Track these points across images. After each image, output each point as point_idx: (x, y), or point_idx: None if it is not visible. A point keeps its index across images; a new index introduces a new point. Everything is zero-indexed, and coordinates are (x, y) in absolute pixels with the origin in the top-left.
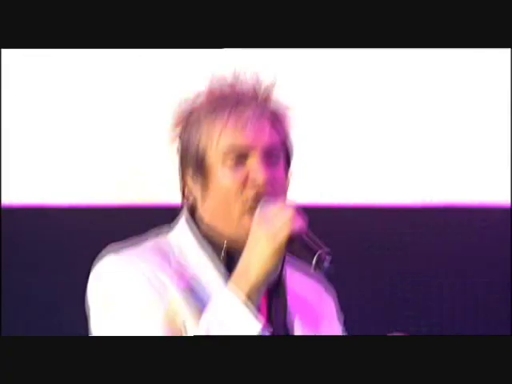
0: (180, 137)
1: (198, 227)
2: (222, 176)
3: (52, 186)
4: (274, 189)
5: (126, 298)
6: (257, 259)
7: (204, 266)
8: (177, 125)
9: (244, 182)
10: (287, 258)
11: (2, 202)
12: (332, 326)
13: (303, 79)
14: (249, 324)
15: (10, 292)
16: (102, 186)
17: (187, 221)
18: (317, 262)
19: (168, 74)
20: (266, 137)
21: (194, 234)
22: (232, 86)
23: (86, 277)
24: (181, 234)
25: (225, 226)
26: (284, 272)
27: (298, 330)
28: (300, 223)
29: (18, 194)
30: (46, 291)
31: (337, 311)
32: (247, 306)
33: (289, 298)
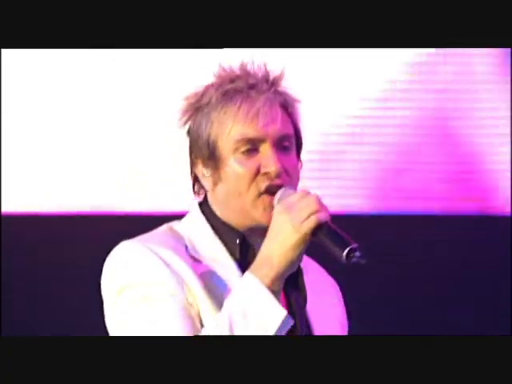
0: (190, 127)
1: (213, 217)
2: (234, 165)
3: (51, 192)
4: (287, 177)
5: (142, 281)
6: (280, 248)
7: (220, 255)
8: (186, 116)
9: (256, 171)
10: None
11: (3, 210)
12: (343, 319)
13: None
14: (274, 311)
15: (10, 292)
16: (103, 193)
17: (202, 210)
18: (348, 253)
19: (168, 75)
20: (278, 125)
21: (210, 223)
22: (242, 75)
23: (85, 277)
24: (195, 224)
25: (237, 215)
26: (302, 264)
27: (317, 323)
28: (326, 213)
29: (17, 202)
30: (46, 291)
31: (342, 303)
32: (272, 294)
33: (309, 294)
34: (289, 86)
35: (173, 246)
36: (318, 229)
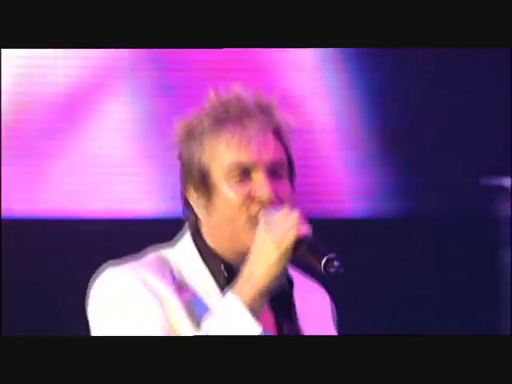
0: (181, 153)
1: (203, 243)
2: (227, 192)
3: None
4: (280, 203)
5: (126, 306)
6: (262, 265)
7: (205, 283)
8: (177, 141)
9: (248, 198)
10: (293, 271)
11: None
12: (333, 330)
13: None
14: (250, 328)
15: (10, 293)
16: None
17: (192, 236)
18: (325, 264)
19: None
20: (270, 152)
21: (199, 249)
22: (234, 101)
23: (85, 278)
24: (185, 249)
25: (228, 241)
26: (292, 286)
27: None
28: (305, 228)
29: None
30: (45, 292)
31: (334, 317)
32: (249, 310)
33: (302, 315)
34: (283, 113)
35: (159, 272)
36: (299, 244)
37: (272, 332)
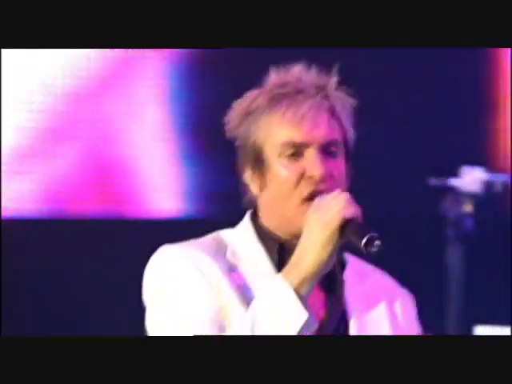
0: (238, 134)
1: (260, 224)
2: (279, 170)
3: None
4: (332, 182)
5: (173, 285)
6: (310, 248)
7: (259, 263)
8: (235, 122)
9: (300, 176)
10: (352, 257)
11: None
12: (400, 328)
13: None
14: (296, 313)
15: (10, 293)
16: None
17: (251, 217)
18: (366, 244)
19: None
20: (323, 131)
21: (256, 230)
22: (291, 80)
23: (85, 277)
24: (243, 230)
25: (281, 221)
26: (344, 269)
27: (355, 329)
28: (352, 209)
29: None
30: (46, 292)
31: (410, 315)
32: (296, 295)
33: (351, 296)
34: (340, 93)
35: (212, 253)
36: (346, 226)
37: (320, 311)
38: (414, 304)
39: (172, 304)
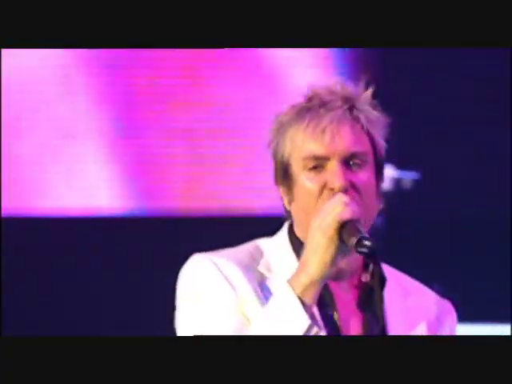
0: (272, 148)
1: (294, 234)
2: (303, 182)
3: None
4: (355, 193)
5: (200, 293)
6: (313, 254)
7: (290, 270)
8: (270, 137)
9: (322, 188)
10: (393, 271)
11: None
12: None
13: None
14: (298, 320)
15: (10, 292)
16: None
17: (288, 228)
18: (356, 245)
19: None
20: (345, 143)
21: (290, 239)
22: (319, 93)
23: (85, 277)
24: (280, 239)
25: (307, 232)
26: (384, 285)
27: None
28: (349, 211)
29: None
30: (46, 291)
31: (451, 331)
32: (300, 300)
33: (391, 313)
34: (366, 104)
35: (244, 262)
36: (343, 228)
37: (358, 330)
38: (455, 318)
39: (195, 306)
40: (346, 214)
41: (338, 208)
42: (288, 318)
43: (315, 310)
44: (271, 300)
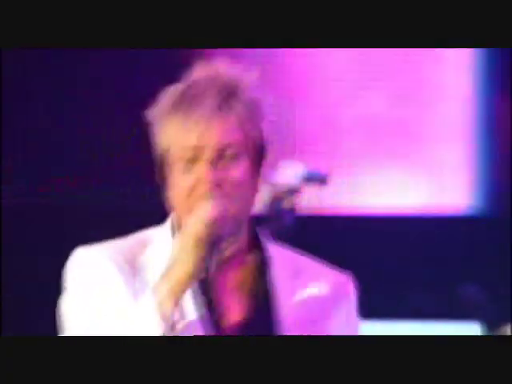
0: (151, 138)
1: (176, 222)
2: (174, 175)
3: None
4: (227, 190)
5: (77, 286)
6: (178, 257)
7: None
8: (149, 125)
9: (192, 185)
10: (282, 250)
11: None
12: (341, 323)
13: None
14: (151, 321)
15: (10, 292)
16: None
17: (171, 217)
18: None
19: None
20: (216, 136)
21: (172, 227)
22: (195, 81)
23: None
24: (163, 229)
25: (182, 221)
26: (268, 266)
27: (292, 328)
28: (213, 220)
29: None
30: (45, 291)
31: (351, 307)
32: (160, 307)
33: (279, 293)
34: (252, 92)
35: (123, 255)
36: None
37: (239, 313)
38: (352, 289)
39: (74, 301)
40: (210, 223)
41: (202, 215)
42: (145, 323)
43: (188, 300)
44: (136, 302)
